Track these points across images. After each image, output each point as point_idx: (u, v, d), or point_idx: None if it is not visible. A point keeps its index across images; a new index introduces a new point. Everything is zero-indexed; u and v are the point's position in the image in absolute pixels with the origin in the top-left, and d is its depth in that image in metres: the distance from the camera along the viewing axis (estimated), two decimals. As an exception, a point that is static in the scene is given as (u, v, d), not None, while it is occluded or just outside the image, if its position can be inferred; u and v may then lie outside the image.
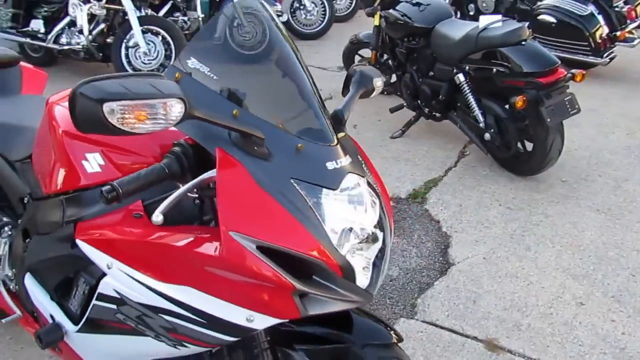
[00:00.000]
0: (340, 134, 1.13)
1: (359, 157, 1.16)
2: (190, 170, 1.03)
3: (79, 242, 1.12)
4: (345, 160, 1.07)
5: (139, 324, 1.09)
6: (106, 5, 4.52)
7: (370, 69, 1.36)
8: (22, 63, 1.93)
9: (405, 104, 3.69)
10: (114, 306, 1.11)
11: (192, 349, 1.07)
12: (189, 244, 1.00)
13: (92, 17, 4.62)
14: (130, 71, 4.46)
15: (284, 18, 5.92)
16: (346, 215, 1.02)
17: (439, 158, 3.36)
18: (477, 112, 3.02)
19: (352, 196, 1.04)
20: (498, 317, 2.09)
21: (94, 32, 4.60)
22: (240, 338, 1.04)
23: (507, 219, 2.73)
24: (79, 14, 4.48)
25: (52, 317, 1.29)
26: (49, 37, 4.75)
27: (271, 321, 1.00)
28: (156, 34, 4.50)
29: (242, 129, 0.96)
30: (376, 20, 3.65)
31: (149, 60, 4.50)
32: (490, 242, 2.55)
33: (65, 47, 4.68)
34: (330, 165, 1.03)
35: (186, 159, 1.02)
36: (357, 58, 4.37)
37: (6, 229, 1.63)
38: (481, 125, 3.02)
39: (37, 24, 4.84)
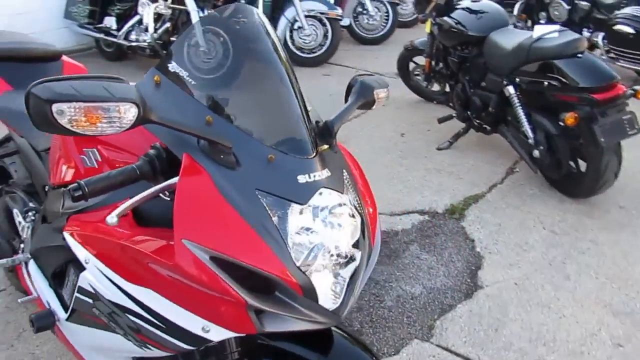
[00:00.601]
0: (324, 147, 1.09)
1: (343, 171, 1.10)
2: (163, 173, 1.02)
3: (65, 234, 1.15)
4: (321, 174, 1.02)
5: (110, 320, 1.10)
6: (171, 5, 4.71)
7: (374, 79, 1.30)
8: (63, 57, 2.03)
9: (454, 115, 3.55)
10: (91, 300, 1.13)
11: (156, 352, 1.06)
12: (154, 247, 0.99)
13: (158, 16, 4.83)
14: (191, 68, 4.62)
15: (346, 22, 5.91)
16: (315, 232, 0.97)
17: (484, 173, 3.20)
18: (527, 127, 2.84)
19: (324, 212, 0.99)
20: (520, 350, 1.94)
21: (160, 31, 4.80)
22: (196, 347, 1.02)
23: (549, 244, 2.54)
24: (146, 12, 4.69)
25: (48, 303, 1.34)
26: (120, 33, 5.02)
27: (226, 334, 0.98)
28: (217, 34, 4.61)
29: (207, 137, 0.93)
30: (427, 27, 3.54)
31: (208, 58, 4.62)
32: (525, 267, 2.39)
33: (133, 44, 4.93)
34: (302, 178, 0.99)
35: (159, 162, 1.02)
36: (412, 65, 4.27)
37: (30, 213, 1.72)
38: (530, 141, 2.84)
39: (110, 21, 5.13)
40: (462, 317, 2.11)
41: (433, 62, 3.84)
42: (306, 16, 5.20)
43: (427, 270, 2.39)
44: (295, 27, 5.26)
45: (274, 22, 5.27)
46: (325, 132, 1.15)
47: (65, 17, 5.49)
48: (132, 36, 4.98)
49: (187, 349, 1.01)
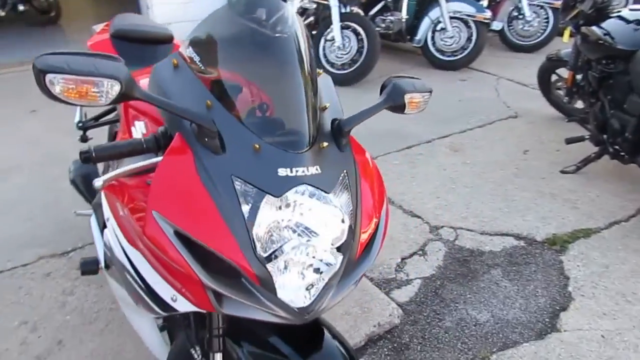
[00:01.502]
0: (323, 144, 1.07)
1: (343, 172, 1.06)
2: (166, 149, 1.10)
3: (101, 193, 1.30)
4: (307, 171, 1.00)
5: (119, 276, 1.22)
6: (315, 0, 4.89)
7: (411, 82, 1.23)
8: (175, 40, 2.26)
9: (587, 137, 3.15)
10: (109, 255, 1.26)
11: (144, 312, 1.15)
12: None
13: (303, 11, 5.06)
14: (324, 62, 4.77)
15: (498, 27, 5.55)
16: (286, 227, 0.97)
17: (607, 207, 2.80)
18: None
19: (299, 209, 0.98)
20: (581, 410, 1.69)
21: (303, 24, 5.03)
22: (167, 314, 1.08)
23: (663, 300, 2.14)
24: (290, 6, 4.94)
25: (97, 252, 1.53)
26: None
27: (190, 307, 1.02)
28: (354, 31, 4.69)
29: (191, 119, 0.98)
30: (565, 37, 3.17)
31: (341, 54, 4.73)
32: (622, 320, 2.05)
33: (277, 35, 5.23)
34: (282, 171, 0.98)
35: (163, 139, 1.09)
36: (554, 77, 3.87)
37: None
38: (669, 177, 2.41)
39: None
40: (523, 357, 1.89)
41: (578, 76, 3.44)
42: (451, 17, 5.01)
43: (502, 299, 2.19)
44: (438, 28, 5.10)
45: (419, 22, 5.17)
46: (336, 130, 1.12)
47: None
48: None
49: (161, 314, 1.09)
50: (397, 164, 3.34)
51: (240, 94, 1.08)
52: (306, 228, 0.97)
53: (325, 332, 1.23)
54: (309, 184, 0.99)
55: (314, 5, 4.96)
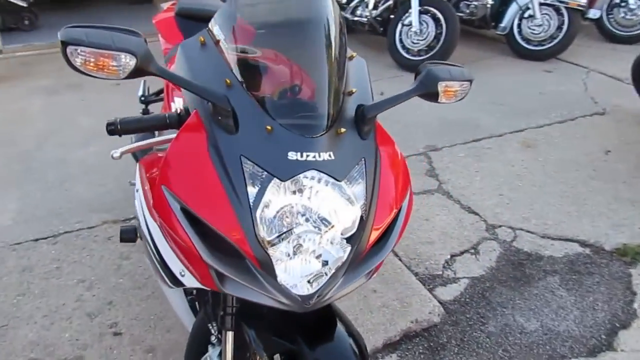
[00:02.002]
0: (341, 130, 1.03)
1: (361, 160, 1.02)
2: None
3: (138, 164, 1.35)
4: (319, 156, 0.97)
5: (144, 246, 1.26)
6: (396, -17, 4.76)
7: (447, 69, 1.15)
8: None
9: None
10: (137, 225, 1.31)
11: (161, 284, 1.19)
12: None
13: (384, -7, 4.95)
14: (399, 48, 4.65)
15: (595, 15, 5.10)
16: (292, 213, 0.95)
17: (695, 219, 2.51)
18: None
19: (309, 194, 0.95)
20: None
21: (381, 8, 4.92)
22: (178, 287, 1.11)
23: None
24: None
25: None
26: (348, 7, 5.31)
27: (196, 283, 1.04)
28: (433, 16, 4.52)
29: (205, 96, 0.97)
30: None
31: (417, 39, 4.58)
32: (693, 347, 1.84)
33: (356, 18, 5.16)
34: (292, 155, 0.96)
35: (186, 116, 1.10)
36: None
37: None
38: None
39: (342, -5, 5.45)
40: (569, 373, 1.76)
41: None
42: (541, 4, 4.67)
43: (555, 308, 2.04)
44: (526, 15, 4.78)
45: (505, 7, 4.87)
46: (359, 117, 1.08)
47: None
48: (358, 11, 5.22)
49: (172, 287, 1.11)
50: (461, 157, 3.19)
51: (262, 74, 1.07)
52: (314, 215, 0.95)
53: (339, 324, 1.20)
54: (319, 170, 0.96)
55: (394, -12, 4.83)
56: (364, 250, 1.01)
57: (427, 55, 4.55)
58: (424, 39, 4.56)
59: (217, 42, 1.12)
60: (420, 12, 4.52)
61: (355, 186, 1.00)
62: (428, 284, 2.16)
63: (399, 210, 1.10)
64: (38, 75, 4.71)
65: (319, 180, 0.96)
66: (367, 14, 4.97)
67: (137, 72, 0.93)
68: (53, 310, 2.04)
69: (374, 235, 1.03)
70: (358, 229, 0.99)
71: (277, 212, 0.94)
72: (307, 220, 0.95)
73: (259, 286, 0.96)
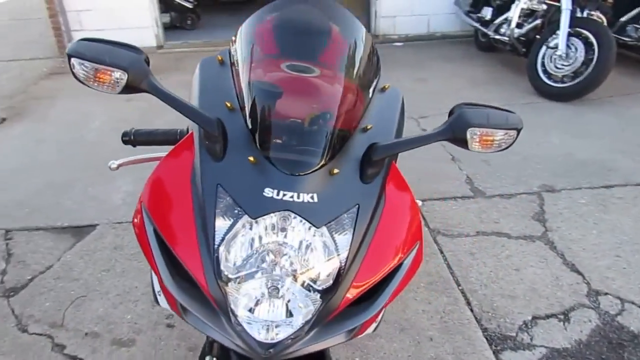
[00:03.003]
0: (334, 170, 0.93)
1: (352, 205, 0.91)
2: None
3: None
4: (298, 197, 0.88)
5: None
6: (547, 1, 4.32)
7: (483, 113, 0.98)
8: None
9: None
10: None
11: None
12: None
13: (531, 12, 4.53)
14: (540, 72, 4.24)
15: None
16: (259, 253, 0.88)
17: None
18: None
19: (279, 237, 0.87)
20: None
21: (527, 27, 4.51)
22: (159, 306, 1.09)
23: None
24: (514, 6, 4.47)
25: None
26: (491, 25, 4.97)
27: (167, 306, 1.01)
28: (584, 39, 4.02)
29: (193, 118, 0.94)
30: None
31: (562, 64, 4.11)
32: None
33: (497, 37, 4.81)
34: (268, 192, 0.89)
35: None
36: None
37: None
38: None
39: (486, 11, 5.12)
40: None
41: None
42: (570, 35, 3.99)
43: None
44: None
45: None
46: (365, 159, 0.97)
47: (454, 4, 5.79)
48: (502, 29, 4.85)
49: (155, 304, 1.10)
50: (582, 204, 2.78)
51: (266, 102, 1.00)
52: (284, 259, 0.87)
53: None
54: (294, 212, 0.88)
55: (544, 7, 4.39)
56: (337, 308, 0.90)
57: (572, 83, 4.06)
58: (570, 65, 4.07)
59: (232, 63, 1.09)
60: (570, 35, 4.05)
61: (339, 235, 0.90)
62: (495, 344, 1.90)
63: (399, 267, 0.96)
64: (186, 70, 5.19)
65: (294, 223, 0.88)
66: (510, 32, 4.59)
67: (129, 89, 0.93)
68: (126, 291, 2.20)
69: (354, 292, 0.91)
70: (334, 283, 0.89)
71: (244, 250, 0.88)
72: (275, 264, 0.87)
73: (218, 324, 0.91)
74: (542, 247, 2.43)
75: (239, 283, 0.88)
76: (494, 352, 1.87)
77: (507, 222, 2.63)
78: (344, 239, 0.90)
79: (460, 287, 2.19)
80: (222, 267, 0.87)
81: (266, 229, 0.87)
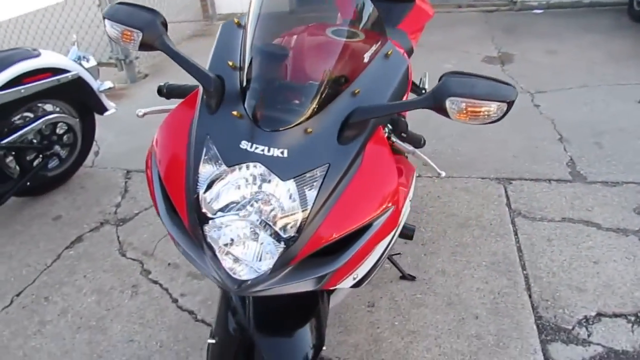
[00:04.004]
0: (310, 129, 0.99)
1: (323, 164, 0.97)
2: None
3: None
4: (268, 151, 0.97)
5: None
6: None
7: (468, 82, 0.96)
8: (417, 2, 2.21)
9: None
10: None
11: None
12: None
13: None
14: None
15: None
16: (225, 198, 0.98)
17: None
18: None
19: (249, 186, 0.97)
20: None
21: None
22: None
23: None
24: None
25: None
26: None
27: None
28: None
29: (193, 74, 1.05)
30: None
31: None
32: None
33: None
34: (244, 144, 0.99)
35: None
36: None
37: None
38: None
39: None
40: None
41: None
42: None
43: None
44: None
45: None
46: (348, 122, 1.01)
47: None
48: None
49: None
50: (703, 200, 2.41)
51: (265, 62, 1.09)
52: (253, 207, 0.97)
53: (307, 326, 1.18)
54: (264, 164, 0.97)
55: None
56: (296, 257, 0.98)
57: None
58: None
59: (244, 25, 1.18)
60: None
61: (304, 190, 0.97)
62: (546, 334, 1.81)
63: (368, 228, 1.01)
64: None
65: (262, 176, 0.97)
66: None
67: (144, 46, 1.09)
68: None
69: (314, 244, 0.98)
70: (297, 234, 0.97)
71: (219, 195, 0.99)
72: (246, 211, 0.97)
73: (199, 258, 1.03)
74: (634, 243, 2.19)
75: (214, 224, 0.99)
76: (541, 342, 1.78)
77: (602, 211, 2.40)
78: (310, 194, 0.97)
79: (524, 272, 2.09)
80: (202, 208, 1.00)
81: (239, 178, 0.98)
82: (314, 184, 0.97)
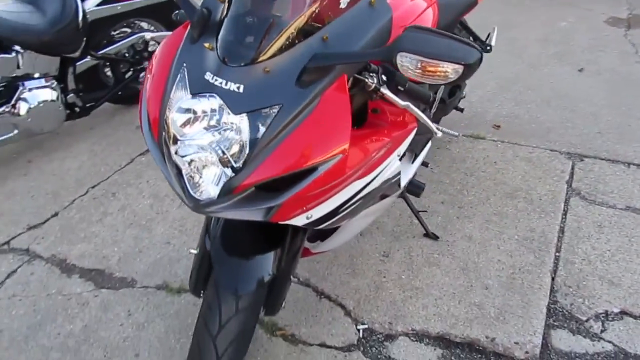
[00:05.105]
0: (267, 68, 1.02)
1: (276, 103, 1.01)
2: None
3: None
4: (226, 84, 1.03)
5: None
6: None
7: (427, 38, 0.93)
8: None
9: None
10: None
11: None
12: None
13: None
14: None
15: None
16: (188, 122, 1.06)
17: None
18: None
19: (206, 115, 1.04)
20: None
21: None
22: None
23: None
24: None
25: None
26: None
27: None
28: None
29: (180, 3, 1.12)
30: None
31: None
32: None
33: None
34: (208, 75, 1.05)
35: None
36: None
37: None
38: None
39: None
40: None
41: None
42: None
43: None
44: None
45: None
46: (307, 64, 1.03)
47: None
48: None
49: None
50: None
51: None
52: (208, 134, 1.05)
53: (270, 255, 1.26)
54: (220, 97, 1.03)
55: None
56: (238, 187, 1.04)
57: None
58: None
59: None
60: None
61: (255, 125, 1.02)
62: (554, 320, 1.72)
63: (314, 171, 1.04)
64: None
65: (218, 107, 1.03)
66: None
67: None
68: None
69: (257, 176, 1.03)
70: (242, 166, 1.03)
71: (183, 119, 1.07)
72: (203, 137, 1.05)
73: (168, 174, 1.15)
74: (701, 247, 1.94)
75: (178, 145, 1.08)
76: (546, 325, 1.70)
77: (677, 207, 2.13)
78: (259, 131, 1.02)
79: (557, 254, 1.96)
80: (170, 129, 1.09)
81: (199, 106, 1.05)
82: (265, 121, 1.02)
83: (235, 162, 1.04)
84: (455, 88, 2.35)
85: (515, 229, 2.09)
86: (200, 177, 1.07)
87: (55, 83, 2.63)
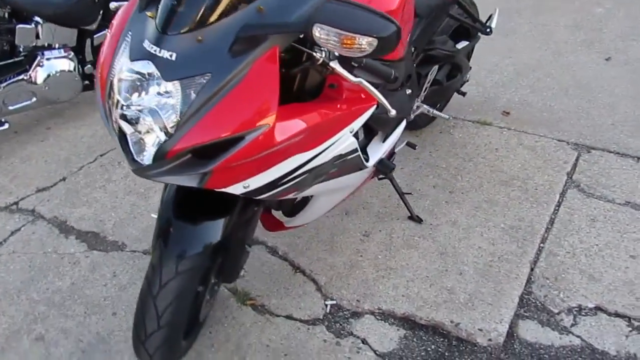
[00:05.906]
0: (200, 37, 1.05)
1: (206, 72, 1.03)
2: None
3: None
4: (159, 52, 1.06)
5: None
6: None
7: (343, 11, 0.94)
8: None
9: None
10: None
11: None
12: None
13: None
14: None
15: None
16: (127, 88, 1.10)
17: None
18: None
19: (137, 78, 1.08)
20: None
21: None
22: None
23: None
24: None
25: None
26: None
27: None
28: None
29: None
30: None
31: None
32: None
33: None
34: (146, 44, 1.09)
35: None
36: None
37: None
38: None
39: None
40: None
41: None
42: None
43: None
44: None
45: None
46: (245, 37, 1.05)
47: None
48: None
49: None
50: None
51: None
52: (145, 98, 1.09)
53: (220, 222, 1.30)
54: (154, 65, 1.06)
55: None
56: (169, 153, 1.07)
57: None
58: None
59: None
60: None
61: (184, 92, 1.05)
62: (525, 310, 1.69)
63: (240, 140, 1.06)
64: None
65: (152, 73, 1.07)
66: None
67: None
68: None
69: (186, 142, 1.06)
70: (173, 131, 1.06)
71: (124, 85, 1.11)
72: (140, 103, 1.09)
73: (113, 135, 1.20)
74: (699, 248, 1.84)
75: (121, 110, 1.12)
76: (515, 315, 1.67)
77: (680, 205, 2.02)
78: (187, 98, 1.05)
79: (541, 245, 1.91)
80: (115, 94, 1.14)
81: (136, 72, 1.09)
82: (195, 89, 1.04)
83: (171, 128, 1.07)
84: (455, 71, 2.30)
85: (503, 217, 2.05)
86: (143, 141, 1.12)
87: (73, 54, 2.76)
